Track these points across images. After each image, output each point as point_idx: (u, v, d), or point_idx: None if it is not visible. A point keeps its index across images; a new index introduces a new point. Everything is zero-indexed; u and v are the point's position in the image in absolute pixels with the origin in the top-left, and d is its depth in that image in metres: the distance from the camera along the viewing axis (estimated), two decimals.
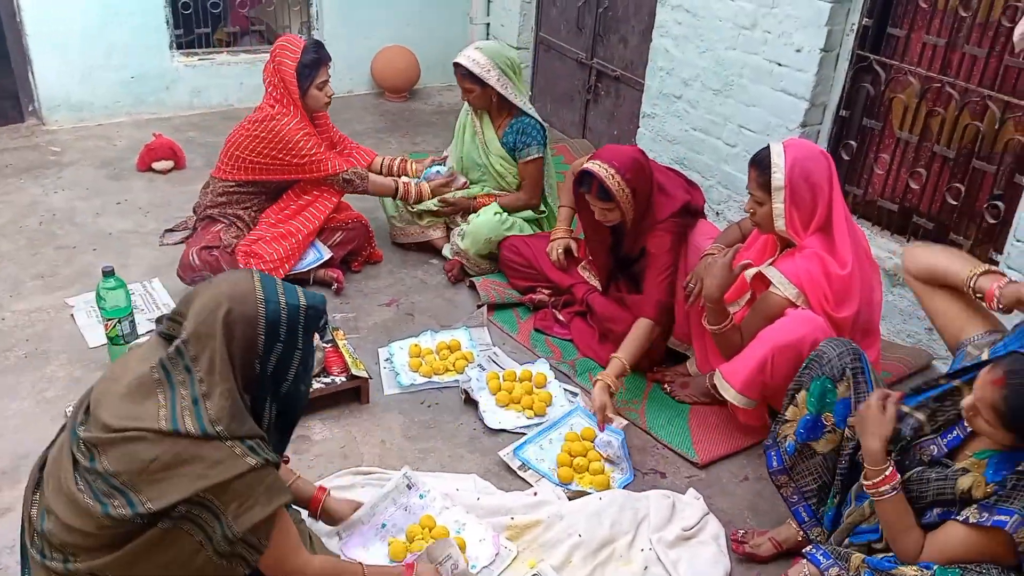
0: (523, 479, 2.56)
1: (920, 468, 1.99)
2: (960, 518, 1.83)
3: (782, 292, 2.51)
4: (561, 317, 3.30)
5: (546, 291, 3.42)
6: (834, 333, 2.40)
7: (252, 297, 1.63)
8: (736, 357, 2.55)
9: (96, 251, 3.66)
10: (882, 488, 1.94)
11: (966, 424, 1.89)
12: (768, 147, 2.54)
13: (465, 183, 3.73)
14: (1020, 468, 1.79)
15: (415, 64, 5.83)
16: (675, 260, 2.90)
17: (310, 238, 3.43)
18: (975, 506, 1.83)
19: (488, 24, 5.93)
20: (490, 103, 3.60)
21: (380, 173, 3.71)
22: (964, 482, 1.87)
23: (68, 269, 3.51)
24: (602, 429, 2.62)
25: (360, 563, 1.96)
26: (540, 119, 3.66)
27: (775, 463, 2.24)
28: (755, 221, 2.62)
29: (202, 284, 1.70)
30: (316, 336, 2.74)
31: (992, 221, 3.06)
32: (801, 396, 2.18)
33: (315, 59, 3.30)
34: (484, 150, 3.72)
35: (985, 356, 2.02)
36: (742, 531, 2.35)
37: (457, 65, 3.54)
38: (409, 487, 2.35)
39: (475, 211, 3.64)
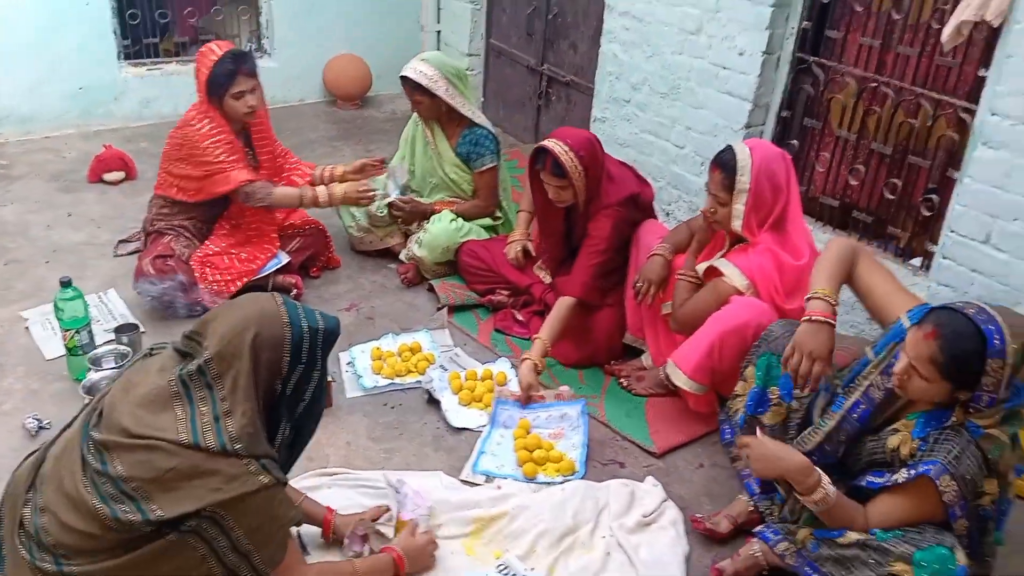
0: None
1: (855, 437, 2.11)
2: (890, 483, 1.95)
3: (735, 283, 2.61)
4: (520, 317, 3.37)
5: (505, 292, 3.48)
6: (777, 318, 2.51)
7: (279, 321, 1.71)
8: (685, 344, 2.66)
9: (49, 264, 3.62)
10: (820, 497, 1.98)
11: (897, 390, 1.98)
12: (731, 149, 2.63)
13: (404, 181, 3.75)
14: (945, 424, 1.91)
15: (367, 72, 5.87)
16: (611, 246, 2.98)
17: (268, 248, 3.45)
18: (903, 468, 1.94)
19: (439, 32, 5.99)
20: (440, 113, 3.65)
21: (320, 183, 3.57)
22: (893, 441, 2.00)
23: (22, 283, 3.48)
24: (524, 404, 2.79)
25: (351, 561, 2.02)
26: (491, 128, 3.72)
27: (728, 435, 2.36)
28: (714, 219, 2.70)
29: (224, 305, 1.76)
30: None
31: (927, 214, 3.21)
32: (749, 371, 2.32)
33: (230, 70, 3.20)
34: (438, 160, 3.76)
35: (870, 353, 2.14)
36: (700, 515, 2.44)
37: (404, 79, 3.57)
38: (397, 491, 2.39)
39: (430, 216, 3.67)
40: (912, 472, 1.91)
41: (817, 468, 2.02)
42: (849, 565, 1.97)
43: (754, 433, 2.32)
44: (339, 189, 3.43)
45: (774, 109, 3.69)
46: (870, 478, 2.04)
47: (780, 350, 2.25)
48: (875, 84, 3.32)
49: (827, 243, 2.38)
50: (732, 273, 2.61)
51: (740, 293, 2.59)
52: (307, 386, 1.76)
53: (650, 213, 3.19)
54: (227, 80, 3.20)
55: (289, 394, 1.74)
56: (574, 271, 3.00)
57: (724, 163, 2.60)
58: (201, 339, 1.70)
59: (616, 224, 2.99)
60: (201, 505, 1.58)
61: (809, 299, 2.22)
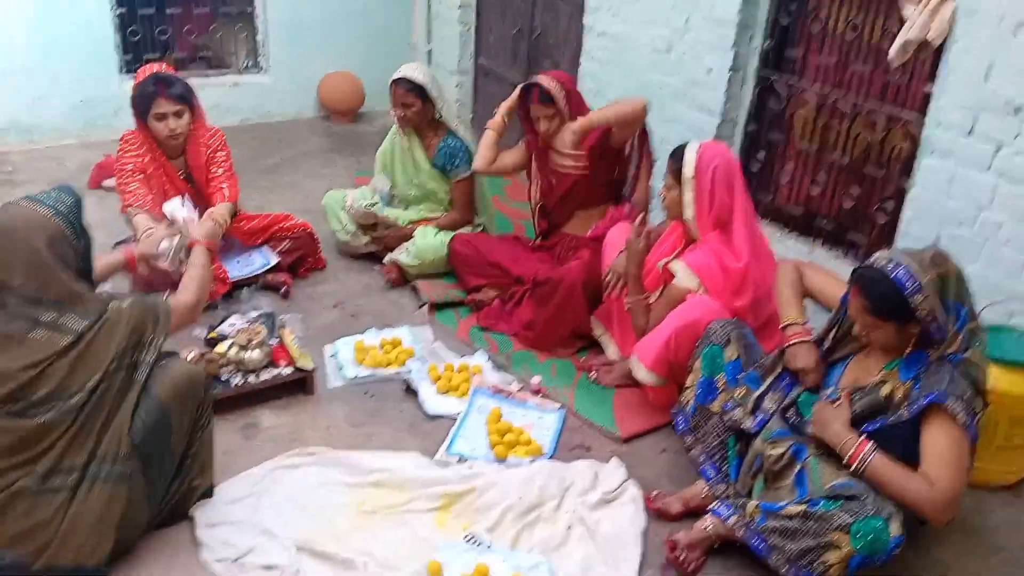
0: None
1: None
2: (892, 422, 2.15)
3: (685, 283, 2.81)
4: (505, 309, 3.54)
5: (491, 291, 3.64)
6: (728, 316, 2.69)
7: (40, 215, 2.02)
8: (645, 339, 2.84)
9: None
10: (864, 451, 2.13)
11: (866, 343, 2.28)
12: (686, 143, 2.89)
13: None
14: (928, 363, 2.15)
15: (360, 88, 6.08)
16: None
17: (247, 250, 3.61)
18: (904, 408, 2.14)
19: (430, 51, 6.22)
20: (422, 121, 3.84)
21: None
22: (885, 389, 2.20)
23: None
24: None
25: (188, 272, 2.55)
26: (465, 139, 3.91)
27: (681, 425, 2.54)
28: (666, 205, 2.95)
29: None
30: (264, 330, 2.97)
31: (883, 221, 3.39)
32: (696, 364, 2.53)
33: (151, 92, 3.25)
34: (416, 171, 3.94)
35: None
36: (655, 492, 2.59)
37: (402, 80, 3.75)
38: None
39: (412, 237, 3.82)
40: (919, 404, 2.09)
41: (855, 435, 2.17)
42: (792, 535, 2.12)
43: (705, 420, 2.50)
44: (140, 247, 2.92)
45: (741, 123, 3.89)
46: (869, 426, 2.20)
47: (721, 341, 2.52)
48: (834, 100, 3.53)
49: (777, 271, 2.65)
50: (683, 272, 2.82)
51: (692, 292, 2.78)
52: (88, 243, 2.14)
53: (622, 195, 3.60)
54: (147, 101, 3.27)
55: (83, 254, 2.12)
56: None
57: (675, 154, 2.88)
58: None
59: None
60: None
61: (784, 328, 2.49)
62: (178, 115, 3.32)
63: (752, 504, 2.25)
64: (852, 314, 2.23)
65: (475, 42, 5.88)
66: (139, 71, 3.38)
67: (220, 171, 3.51)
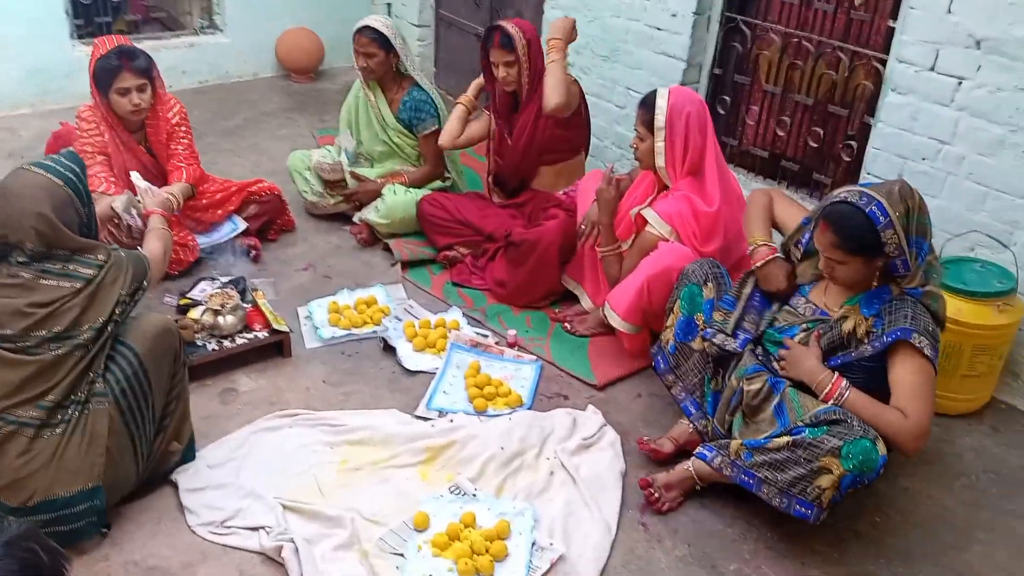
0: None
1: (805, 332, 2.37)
2: (856, 356, 2.22)
3: (657, 230, 2.82)
4: (478, 264, 3.55)
5: (463, 249, 3.63)
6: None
7: (48, 180, 2.13)
8: (618, 287, 2.87)
9: None
10: (840, 387, 2.20)
11: (832, 282, 2.32)
12: (655, 91, 2.86)
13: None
14: (889, 299, 2.21)
15: (319, 45, 5.96)
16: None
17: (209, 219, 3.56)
18: (867, 344, 2.20)
19: (389, 3, 6.09)
20: (386, 72, 3.79)
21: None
22: (847, 325, 2.25)
23: None
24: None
25: (151, 240, 2.67)
26: (431, 90, 3.86)
27: (662, 364, 2.59)
28: (638, 156, 2.94)
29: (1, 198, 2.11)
30: (236, 295, 2.97)
31: (847, 160, 3.43)
32: (675, 306, 2.57)
33: (114, 66, 3.15)
34: (382, 126, 3.89)
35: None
36: (646, 437, 2.63)
37: (365, 29, 3.69)
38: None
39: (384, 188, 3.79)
40: (884, 340, 2.15)
41: (829, 371, 2.24)
42: (782, 467, 2.17)
43: (685, 358, 2.54)
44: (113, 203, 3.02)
45: (707, 67, 3.88)
46: (832, 360, 2.27)
47: (699, 281, 2.55)
48: (797, 40, 3.53)
49: (748, 197, 2.69)
50: (655, 220, 2.84)
51: (664, 239, 2.80)
52: (92, 204, 2.26)
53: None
54: (110, 76, 3.17)
55: (89, 213, 2.23)
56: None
57: (645, 102, 2.86)
58: (7, 240, 2.09)
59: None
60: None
61: (753, 250, 2.53)
62: (141, 89, 3.23)
63: (736, 443, 2.29)
64: (819, 248, 2.25)
65: None
66: (96, 43, 3.27)
67: (180, 148, 3.43)
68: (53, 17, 5.08)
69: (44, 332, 2.09)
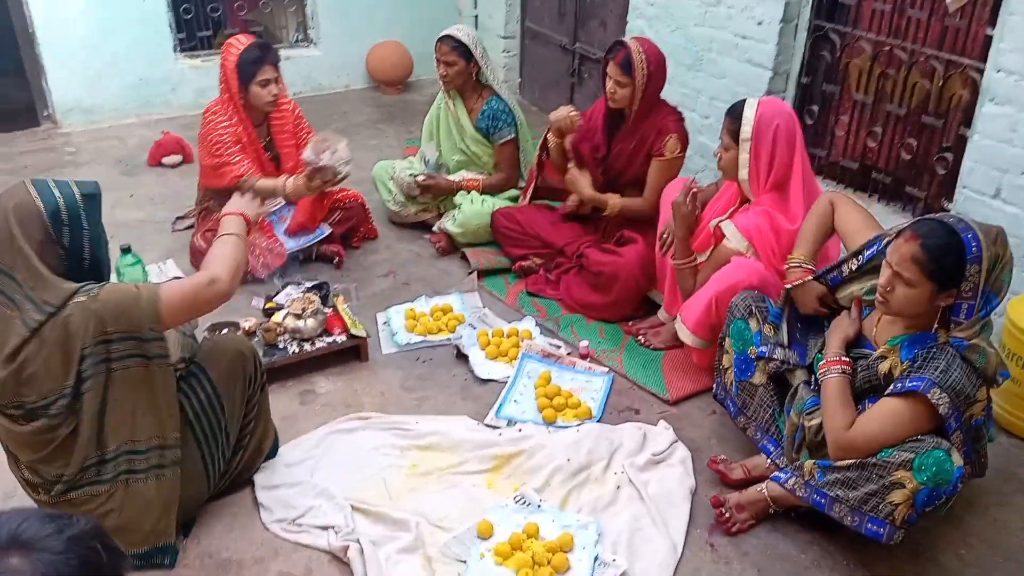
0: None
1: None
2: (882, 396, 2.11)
3: (734, 244, 2.76)
4: (551, 276, 3.55)
5: (537, 259, 3.65)
6: (772, 279, 2.65)
7: (31, 201, 1.93)
8: (690, 300, 2.83)
9: (113, 238, 3.85)
10: (832, 367, 2.19)
11: (879, 306, 2.15)
12: (744, 100, 2.79)
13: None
14: (930, 345, 2.06)
15: (408, 58, 6.09)
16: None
17: (306, 224, 3.66)
18: (894, 383, 2.09)
19: (476, 16, 6.18)
20: (465, 81, 3.84)
21: None
22: (884, 367, 2.15)
23: None
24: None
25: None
26: (508, 100, 3.88)
27: (732, 408, 2.54)
28: (721, 166, 2.87)
29: None
30: (316, 300, 3.02)
31: (942, 172, 3.28)
32: (727, 343, 2.52)
33: (257, 56, 3.39)
34: (460, 135, 3.94)
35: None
36: (721, 456, 2.56)
37: (447, 38, 3.75)
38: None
39: (458, 191, 3.86)
40: (899, 386, 2.05)
41: (839, 354, 2.22)
42: (854, 484, 2.08)
43: (751, 396, 2.49)
44: (294, 181, 3.45)
45: (794, 76, 3.79)
46: (869, 400, 2.19)
47: (743, 315, 2.49)
48: (889, 47, 3.40)
49: (815, 202, 2.55)
50: (733, 234, 2.77)
51: (740, 254, 2.73)
52: (83, 243, 2.00)
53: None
54: (254, 67, 3.39)
55: (71, 255, 1.99)
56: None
57: (732, 111, 2.78)
58: None
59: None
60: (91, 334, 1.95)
61: (789, 268, 2.46)
62: (277, 81, 3.48)
63: (809, 463, 2.22)
64: (892, 262, 2.06)
65: (521, 4, 5.82)
66: (231, 42, 3.49)
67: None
68: (158, 32, 5.37)
69: (21, 400, 1.97)
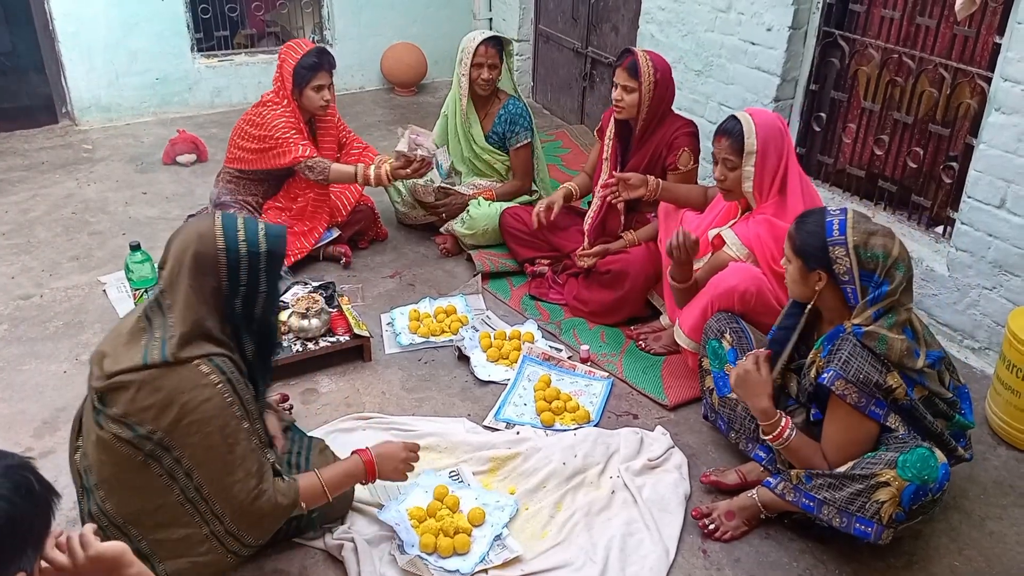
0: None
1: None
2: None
3: (734, 252, 2.77)
4: (559, 280, 3.57)
5: (545, 263, 3.67)
6: (769, 283, 2.66)
7: (213, 243, 1.81)
8: (688, 306, 2.82)
9: (126, 235, 3.99)
10: (784, 435, 2.22)
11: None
12: (734, 117, 2.76)
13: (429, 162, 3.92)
14: (840, 337, 2.11)
15: (422, 60, 6.13)
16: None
17: (320, 223, 3.72)
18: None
19: (491, 19, 6.21)
20: (492, 87, 3.84)
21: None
22: (813, 371, 2.19)
23: (101, 252, 3.86)
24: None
25: (315, 471, 2.07)
26: (526, 104, 3.90)
27: (722, 425, 2.59)
28: (725, 187, 2.83)
29: (177, 230, 1.91)
30: (321, 299, 3.04)
31: (948, 182, 3.26)
32: (705, 363, 2.60)
33: (315, 63, 3.50)
34: (470, 146, 3.96)
35: None
36: (710, 469, 2.56)
37: (493, 40, 3.72)
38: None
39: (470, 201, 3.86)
40: (813, 385, 2.13)
41: (781, 414, 2.24)
42: (840, 485, 2.10)
43: (733, 410, 2.52)
44: (385, 167, 3.63)
45: (802, 82, 3.78)
46: (814, 410, 2.26)
47: (715, 335, 2.58)
48: (898, 55, 3.39)
49: None
50: (733, 242, 2.79)
51: (738, 260, 2.74)
52: (255, 303, 1.88)
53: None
54: (311, 72, 3.50)
55: (240, 309, 1.86)
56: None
57: (731, 130, 2.74)
58: (163, 268, 1.86)
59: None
60: (162, 424, 1.79)
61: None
62: (330, 87, 3.58)
63: (796, 470, 2.24)
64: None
65: (535, 7, 5.85)
66: (290, 45, 3.60)
67: (356, 143, 3.95)
68: (176, 32, 5.44)
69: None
